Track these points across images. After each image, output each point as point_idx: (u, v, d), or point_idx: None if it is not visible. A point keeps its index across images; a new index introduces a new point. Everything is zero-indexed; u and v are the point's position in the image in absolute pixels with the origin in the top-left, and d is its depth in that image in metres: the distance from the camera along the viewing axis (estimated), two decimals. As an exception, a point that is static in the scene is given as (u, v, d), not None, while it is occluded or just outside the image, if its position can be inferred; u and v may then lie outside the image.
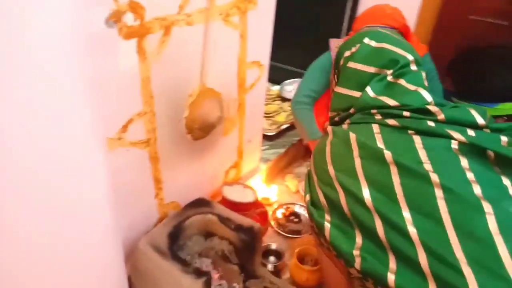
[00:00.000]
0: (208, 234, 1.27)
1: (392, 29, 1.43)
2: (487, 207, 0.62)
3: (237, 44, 1.27)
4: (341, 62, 0.97)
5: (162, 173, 1.21)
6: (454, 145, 0.71)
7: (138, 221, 1.21)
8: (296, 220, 1.60)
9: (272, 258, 1.40)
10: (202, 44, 1.13)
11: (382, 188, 0.71)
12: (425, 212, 0.65)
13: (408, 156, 0.72)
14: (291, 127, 1.96)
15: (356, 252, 0.73)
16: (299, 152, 1.96)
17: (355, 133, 0.80)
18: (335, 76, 1.00)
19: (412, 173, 0.69)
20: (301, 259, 1.35)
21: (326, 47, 1.66)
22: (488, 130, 0.74)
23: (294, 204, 1.67)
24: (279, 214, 1.61)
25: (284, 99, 2.18)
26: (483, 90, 1.02)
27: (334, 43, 1.60)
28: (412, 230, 0.65)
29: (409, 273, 0.63)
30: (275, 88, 2.26)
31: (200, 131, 1.26)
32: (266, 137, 1.82)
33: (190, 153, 1.29)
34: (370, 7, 1.52)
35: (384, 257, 0.67)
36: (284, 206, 1.65)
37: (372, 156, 0.75)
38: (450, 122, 0.75)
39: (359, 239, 0.73)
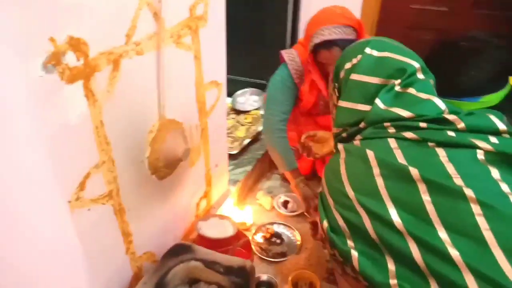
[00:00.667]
0: (192, 281, 1.13)
1: (347, 27, 1.39)
2: None
3: (192, 67, 1.14)
4: (342, 74, 0.88)
5: (130, 225, 1.05)
6: (480, 155, 0.66)
7: (114, 281, 1.04)
8: (278, 241, 1.50)
9: (264, 291, 1.29)
10: (156, 73, 0.99)
11: (411, 209, 0.64)
12: (464, 232, 0.59)
13: (435, 171, 0.65)
14: (253, 141, 1.86)
15: (392, 282, 0.64)
16: (266, 166, 1.87)
17: (372, 150, 0.72)
18: (336, 90, 0.91)
19: (443, 189, 0.63)
20: (295, 285, 1.26)
21: (272, 53, 1.60)
22: (507, 135, 0.68)
23: (272, 224, 1.57)
24: (259, 238, 1.51)
25: (238, 112, 2.07)
26: (463, 84, 0.99)
27: (287, 55, 1.55)
28: (453, 253, 0.58)
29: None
30: (227, 101, 2.15)
31: (166, 168, 1.12)
32: (230, 157, 1.70)
33: (157, 194, 1.15)
34: (319, 11, 1.47)
35: (424, 284, 0.60)
36: (263, 228, 1.55)
37: (395, 174, 0.68)
38: (472, 130, 0.70)
39: (391, 266, 0.65)
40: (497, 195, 0.61)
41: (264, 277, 1.31)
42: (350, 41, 1.36)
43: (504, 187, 0.61)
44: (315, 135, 1.39)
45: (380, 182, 0.69)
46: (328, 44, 1.38)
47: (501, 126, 0.70)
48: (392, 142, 0.73)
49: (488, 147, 0.66)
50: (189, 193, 1.33)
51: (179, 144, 1.11)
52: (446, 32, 2.00)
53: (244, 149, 1.81)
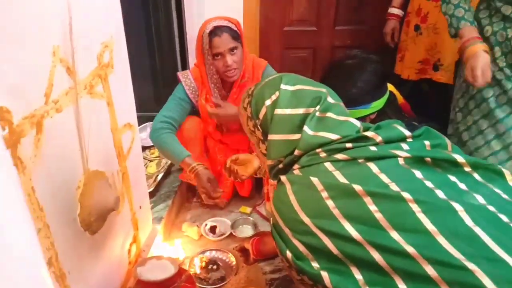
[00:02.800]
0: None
1: (230, 22, 1.58)
2: (456, 206, 0.70)
3: (106, 114, 1.13)
4: (263, 111, 0.94)
5: (71, 289, 0.99)
6: (401, 161, 0.79)
7: None
8: (215, 267, 1.53)
9: (215, 318, 1.31)
10: (75, 127, 0.96)
11: (363, 220, 0.73)
12: (412, 229, 0.70)
13: (374, 183, 0.76)
14: (166, 175, 1.86)
15: None
16: (184, 197, 1.88)
17: (316, 176, 0.81)
18: (258, 126, 0.96)
19: (385, 197, 0.73)
20: (244, 304, 1.31)
21: (166, 85, 1.70)
22: (411, 139, 0.85)
23: (204, 252, 1.60)
24: (197, 269, 1.52)
25: (143, 148, 2.04)
26: (355, 96, 1.18)
27: (181, 74, 1.72)
28: (409, 248, 0.68)
29: (415, 282, 0.68)
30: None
31: (98, 221, 1.08)
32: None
33: (92, 250, 1.09)
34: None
35: (390, 281, 0.70)
36: (196, 258, 1.56)
37: (342, 193, 0.77)
38: (387, 142, 0.83)
39: (358, 275, 0.74)
40: (426, 191, 0.73)
41: (212, 304, 1.33)
42: (237, 33, 1.58)
43: (428, 183, 0.75)
44: (237, 158, 1.47)
45: (330, 203, 0.77)
46: (219, 31, 1.53)
47: (407, 133, 0.85)
48: (329, 166, 0.82)
49: (404, 154, 0.80)
50: (120, 241, 1.28)
51: (107, 194, 1.09)
52: (318, 49, 2.28)
53: (159, 184, 1.79)
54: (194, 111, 1.74)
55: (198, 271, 1.51)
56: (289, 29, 2.24)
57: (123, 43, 1.22)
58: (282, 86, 0.93)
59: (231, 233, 1.69)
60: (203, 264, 1.54)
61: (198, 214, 1.84)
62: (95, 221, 1.06)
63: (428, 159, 0.80)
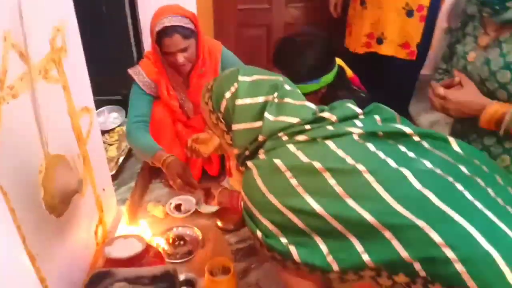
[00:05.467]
0: (119, 304, 1.15)
1: (183, 17, 1.53)
2: (405, 172, 0.78)
3: (62, 98, 1.13)
4: (224, 103, 0.98)
5: (41, 270, 1.01)
6: (356, 137, 0.86)
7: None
8: (182, 242, 1.59)
9: (185, 289, 1.38)
10: (33, 112, 0.97)
11: (325, 194, 0.81)
12: (368, 197, 0.78)
13: (332, 159, 0.83)
14: (127, 158, 1.87)
15: (329, 258, 0.81)
16: (147, 178, 1.90)
17: (279, 158, 0.87)
18: (221, 119, 1.00)
19: (342, 171, 0.81)
20: (211, 273, 1.37)
21: (120, 67, 1.69)
22: (363, 116, 0.93)
23: (171, 229, 1.65)
24: (163, 244, 1.57)
25: (102, 132, 2.03)
26: (305, 71, 1.25)
27: (132, 71, 1.68)
28: (365, 215, 0.76)
29: (374, 244, 0.76)
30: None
31: (62, 204, 1.10)
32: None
33: (58, 233, 1.12)
34: (159, 7, 1.59)
35: (349, 243, 0.78)
36: (164, 236, 1.61)
37: (304, 171, 0.84)
38: (342, 120, 0.91)
39: (322, 245, 0.82)
40: (378, 161, 0.82)
41: (181, 277, 1.39)
42: (190, 30, 1.54)
43: (380, 154, 0.83)
44: (198, 137, 1.51)
45: (294, 182, 0.84)
46: (169, 31, 1.50)
47: (358, 110, 0.93)
48: (291, 147, 0.89)
49: (358, 130, 0.87)
50: (86, 223, 1.31)
51: (69, 177, 1.10)
52: (271, 26, 2.33)
53: (121, 167, 1.81)
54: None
55: (165, 247, 1.56)
56: (242, 7, 2.27)
57: (75, 27, 1.21)
58: (240, 78, 0.98)
59: (196, 210, 1.75)
60: (170, 240, 1.59)
61: (163, 194, 1.88)
62: (59, 204, 1.07)
63: (380, 132, 0.88)
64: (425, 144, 0.88)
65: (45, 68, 1.02)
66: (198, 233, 1.62)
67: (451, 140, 0.89)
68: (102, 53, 2.10)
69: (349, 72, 1.45)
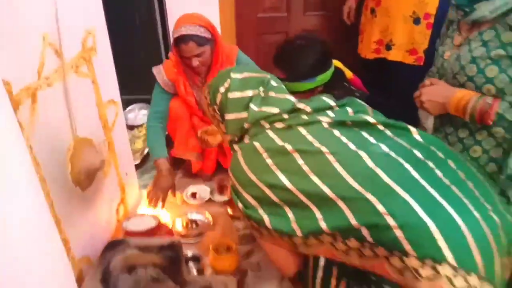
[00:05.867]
0: (130, 269, 1.33)
1: (201, 27, 1.69)
2: (362, 153, 0.91)
3: (91, 90, 1.34)
4: (219, 97, 1.15)
5: (66, 233, 1.21)
6: (325, 125, 1.01)
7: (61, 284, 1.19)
8: (195, 226, 1.76)
9: (192, 264, 1.54)
10: (64, 100, 1.17)
11: (294, 172, 0.95)
12: (328, 174, 0.91)
13: (301, 143, 0.98)
14: (152, 149, 2.08)
15: (294, 225, 0.95)
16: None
17: (258, 142, 1.03)
18: (216, 111, 1.17)
19: (309, 153, 0.95)
20: (216, 251, 1.53)
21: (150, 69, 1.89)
22: (338, 108, 1.06)
23: (185, 214, 1.82)
24: (179, 227, 1.74)
25: (131, 127, 2.26)
26: (302, 71, 1.38)
27: (155, 71, 1.87)
28: (325, 189, 0.90)
29: (330, 213, 0.89)
30: (118, 120, 2.32)
31: (87, 179, 1.29)
32: (135, 167, 1.89)
33: (83, 204, 1.32)
34: (182, 15, 1.76)
35: (311, 213, 0.92)
36: (180, 219, 1.78)
37: (277, 153, 0.99)
38: (316, 110, 1.05)
39: (290, 214, 0.96)
40: (340, 145, 0.95)
41: (189, 253, 1.55)
42: (205, 39, 1.70)
43: (343, 139, 0.97)
44: (207, 129, 1.68)
45: (269, 161, 0.99)
46: (185, 39, 1.67)
47: (332, 103, 1.07)
48: (270, 133, 1.04)
49: (328, 119, 1.01)
50: (108, 200, 1.51)
51: (94, 157, 1.30)
52: (289, 33, 2.48)
53: (145, 158, 2.01)
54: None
55: (180, 229, 1.74)
56: (262, 15, 2.44)
57: (104, 30, 1.43)
58: (232, 75, 1.14)
59: (209, 198, 1.91)
60: (184, 223, 1.76)
61: (182, 183, 2.06)
62: (84, 179, 1.27)
63: (349, 122, 1.02)
64: (388, 132, 1.00)
65: (77, 64, 1.23)
66: (209, 218, 1.79)
67: (413, 130, 1.01)
68: (135, 57, 2.34)
69: (348, 73, 1.57)
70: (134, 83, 2.39)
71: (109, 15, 1.45)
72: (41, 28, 1.05)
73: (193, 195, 1.94)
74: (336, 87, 1.45)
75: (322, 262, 1.06)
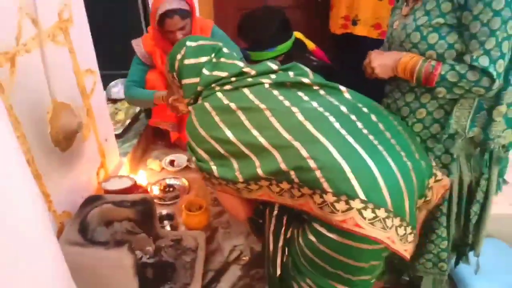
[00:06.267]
0: (107, 223, 1.47)
1: (181, 1, 1.79)
2: (294, 109, 1.04)
3: (69, 59, 1.45)
4: (176, 64, 1.26)
5: (47, 188, 1.34)
6: (267, 86, 1.13)
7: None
8: (171, 189, 1.90)
9: (166, 222, 1.68)
10: (43, 66, 1.28)
11: (237, 127, 1.08)
12: (265, 127, 1.04)
13: (245, 102, 1.10)
14: (134, 121, 2.20)
15: (237, 173, 1.08)
16: (150, 139, 2.22)
17: (208, 102, 1.15)
18: (175, 76, 1.28)
19: (251, 109, 1.08)
20: (188, 209, 1.67)
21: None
22: (281, 72, 1.18)
23: (163, 179, 1.96)
24: (156, 191, 1.88)
25: (115, 101, 2.37)
26: (262, 40, 1.50)
27: (134, 43, 2.01)
28: (262, 140, 1.03)
29: (266, 160, 1.02)
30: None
31: (66, 140, 1.42)
32: (116, 136, 2.02)
33: (63, 164, 1.44)
34: None
35: (251, 163, 1.05)
36: (157, 184, 1.92)
37: (224, 111, 1.11)
38: (260, 74, 1.17)
39: (235, 164, 1.09)
40: (277, 102, 1.07)
41: (163, 211, 1.69)
42: (186, 11, 1.81)
43: (281, 97, 1.09)
44: (177, 96, 1.80)
45: (217, 119, 1.12)
46: (170, 13, 1.78)
47: (275, 67, 1.19)
48: (219, 94, 1.16)
49: (269, 81, 1.14)
50: (88, 163, 1.63)
51: (72, 119, 1.42)
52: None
53: (127, 129, 2.13)
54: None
55: (157, 192, 1.87)
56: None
57: (81, 4, 1.53)
58: (187, 43, 1.26)
59: (187, 165, 2.05)
60: (162, 187, 1.90)
61: (162, 153, 2.20)
62: (63, 140, 1.39)
63: (288, 83, 1.14)
64: (321, 91, 1.13)
65: (53, 33, 1.34)
66: (185, 183, 1.92)
67: (343, 89, 1.14)
68: (117, 34, 2.44)
69: (311, 45, 1.69)
70: (117, 59, 2.48)
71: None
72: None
73: (171, 162, 2.07)
74: (296, 56, 1.57)
75: (275, 212, 1.20)
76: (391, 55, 1.27)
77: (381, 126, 1.05)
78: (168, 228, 1.63)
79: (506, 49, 1.07)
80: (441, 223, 1.37)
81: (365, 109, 1.08)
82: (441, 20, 1.14)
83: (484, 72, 1.06)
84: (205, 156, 1.15)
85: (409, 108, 1.32)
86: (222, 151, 1.11)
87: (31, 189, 0.88)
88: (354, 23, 2.15)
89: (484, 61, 1.06)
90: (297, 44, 1.60)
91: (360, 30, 2.16)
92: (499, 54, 1.05)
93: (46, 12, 1.29)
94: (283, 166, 0.99)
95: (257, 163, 1.05)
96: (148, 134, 2.20)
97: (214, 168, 1.13)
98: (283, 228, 1.18)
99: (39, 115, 1.28)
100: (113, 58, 2.42)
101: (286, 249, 1.15)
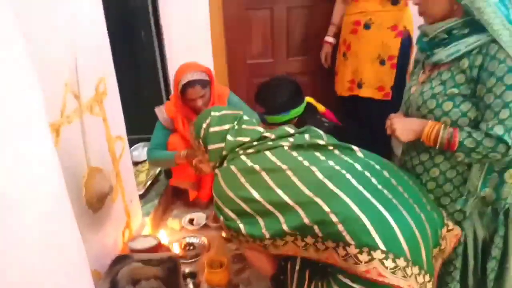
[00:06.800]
0: (135, 282, 1.52)
1: (201, 72, 1.98)
2: (313, 168, 1.14)
3: (102, 127, 1.60)
4: (202, 132, 1.40)
5: (80, 248, 1.41)
6: (286, 147, 1.25)
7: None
8: (192, 248, 1.95)
9: (189, 280, 1.72)
10: (81, 135, 1.42)
11: (262, 187, 1.18)
12: (288, 186, 1.14)
13: (268, 164, 1.21)
14: (154, 182, 2.31)
15: (264, 230, 1.16)
16: (169, 198, 2.32)
17: (234, 165, 1.26)
18: (201, 143, 1.41)
19: (273, 170, 1.18)
20: (210, 266, 1.72)
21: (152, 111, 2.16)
22: (298, 134, 1.31)
23: (183, 238, 2.02)
24: (177, 249, 1.94)
25: (136, 163, 2.50)
26: (277, 105, 1.66)
27: (157, 110, 2.19)
28: (285, 198, 1.12)
29: (290, 216, 1.11)
30: (124, 157, 2.56)
31: (98, 202, 1.52)
32: (139, 197, 2.11)
33: (94, 224, 1.53)
34: (181, 65, 2.05)
35: (276, 220, 1.13)
36: (177, 243, 1.98)
37: (249, 172, 1.22)
38: (278, 137, 1.29)
39: (261, 221, 1.18)
40: (297, 162, 1.18)
41: (186, 269, 1.74)
42: (206, 81, 2.00)
43: (300, 158, 1.19)
44: (202, 159, 1.93)
45: (243, 180, 1.22)
46: (192, 83, 1.96)
47: (292, 131, 1.32)
48: (243, 157, 1.27)
49: (288, 144, 1.25)
50: (116, 223, 1.72)
51: (104, 183, 1.53)
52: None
53: (148, 189, 2.24)
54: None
55: (178, 251, 1.93)
56: (251, 62, 2.78)
57: (113, 77, 1.70)
58: (212, 113, 1.40)
59: (205, 224, 2.12)
60: (182, 245, 1.96)
61: (181, 212, 2.28)
62: (95, 202, 1.49)
63: (305, 145, 1.26)
64: (336, 151, 1.24)
65: (91, 105, 1.49)
66: (205, 241, 1.98)
67: (356, 149, 1.26)
68: (139, 101, 2.63)
69: (321, 108, 1.83)
70: (139, 124, 2.65)
71: (117, 63, 1.73)
72: (64, 76, 1.32)
73: (191, 221, 2.15)
74: (308, 119, 1.71)
75: (297, 267, 1.27)
76: (414, 123, 1.32)
77: (393, 181, 1.15)
78: (191, 286, 1.67)
79: None
80: (454, 277, 1.40)
81: (377, 166, 1.18)
82: (455, 90, 1.24)
83: (500, 139, 1.14)
84: (232, 215, 1.23)
85: (423, 167, 1.39)
86: (248, 209, 1.19)
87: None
88: (360, 86, 2.32)
89: (499, 130, 1.14)
90: (308, 107, 1.74)
91: (365, 92, 2.32)
92: None
93: (86, 86, 1.45)
94: (306, 221, 1.07)
95: (281, 219, 1.13)
96: (167, 194, 2.30)
97: (241, 226, 1.21)
98: (306, 282, 1.23)
99: (76, 180, 1.39)
100: (133, 123, 2.60)
101: None
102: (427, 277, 1.04)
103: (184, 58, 2.14)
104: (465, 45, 1.19)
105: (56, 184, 1.01)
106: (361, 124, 2.35)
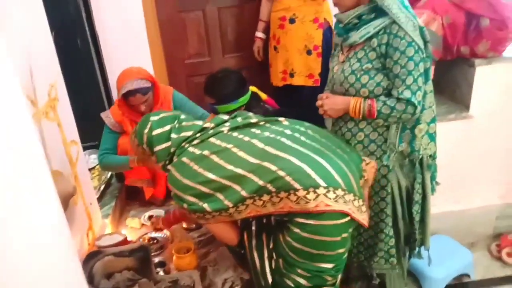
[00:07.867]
0: (108, 275, 1.59)
1: (142, 80, 2.07)
2: (254, 141, 1.34)
3: (58, 132, 1.64)
4: (145, 137, 1.50)
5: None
6: (226, 131, 1.42)
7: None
8: (155, 242, 2.04)
9: (159, 269, 1.81)
10: (40, 139, 1.46)
11: (214, 167, 1.33)
12: (236, 160, 1.32)
13: (214, 147, 1.37)
14: (107, 186, 2.35)
15: (226, 202, 1.32)
16: (124, 200, 2.37)
17: (184, 156, 1.40)
18: (146, 148, 1.51)
19: (221, 151, 1.35)
20: (178, 252, 1.82)
21: (95, 119, 2.23)
22: (231, 119, 1.49)
23: (146, 234, 2.09)
24: (141, 244, 2.01)
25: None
26: (225, 96, 1.82)
27: (103, 115, 2.25)
28: (237, 170, 1.30)
29: (245, 184, 1.28)
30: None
31: (64, 204, 1.56)
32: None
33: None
34: (122, 70, 2.12)
35: (235, 190, 1.30)
36: (141, 239, 2.05)
37: (200, 159, 1.36)
38: (217, 125, 1.46)
39: (220, 196, 1.33)
40: (237, 140, 1.37)
41: (156, 260, 1.83)
42: (147, 88, 2.09)
43: (240, 136, 1.38)
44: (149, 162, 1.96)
45: (196, 167, 1.36)
46: (132, 92, 2.05)
47: (226, 117, 1.50)
48: (190, 149, 1.41)
49: (226, 128, 1.43)
50: (79, 225, 1.75)
51: (67, 184, 1.58)
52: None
53: (102, 194, 2.27)
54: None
55: (142, 246, 2.00)
56: (189, 61, 2.90)
57: (62, 83, 1.74)
58: (151, 118, 1.52)
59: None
60: (146, 241, 2.03)
61: (138, 212, 2.34)
62: (61, 203, 1.53)
63: (240, 125, 1.46)
64: (267, 124, 1.46)
65: (46, 111, 1.53)
66: (167, 234, 2.08)
67: (282, 119, 1.49)
68: (80, 108, 2.62)
69: (263, 96, 2.03)
70: (81, 132, 2.64)
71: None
72: (24, 86, 1.35)
73: (150, 217, 2.22)
74: (254, 106, 1.89)
75: (253, 227, 1.49)
76: (340, 101, 1.57)
77: (317, 136, 1.41)
78: (161, 273, 1.77)
79: (421, 83, 1.44)
80: (387, 223, 1.68)
81: (302, 128, 1.44)
82: (369, 65, 1.50)
83: (408, 102, 1.43)
84: (193, 199, 1.37)
85: (350, 133, 1.65)
86: (207, 190, 1.34)
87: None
88: (291, 75, 2.55)
89: (407, 94, 1.42)
90: (253, 96, 1.92)
91: (297, 81, 2.56)
92: (417, 87, 1.43)
93: (40, 93, 1.49)
94: (261, 183, 1.27)
95: (239, 188, 1.31)
96: (122, 197, 2.35)
97: (205, 205, 1.35)
98: (264, 243, 1.45)
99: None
100: (80, 132, 2.59)
101: (274, 255, 1.41)
102: (360, 202, 1.30)
103: (123, 63, 2.21)
104: (373, 27, 1.45)
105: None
106: (296, 108, 2.59)
